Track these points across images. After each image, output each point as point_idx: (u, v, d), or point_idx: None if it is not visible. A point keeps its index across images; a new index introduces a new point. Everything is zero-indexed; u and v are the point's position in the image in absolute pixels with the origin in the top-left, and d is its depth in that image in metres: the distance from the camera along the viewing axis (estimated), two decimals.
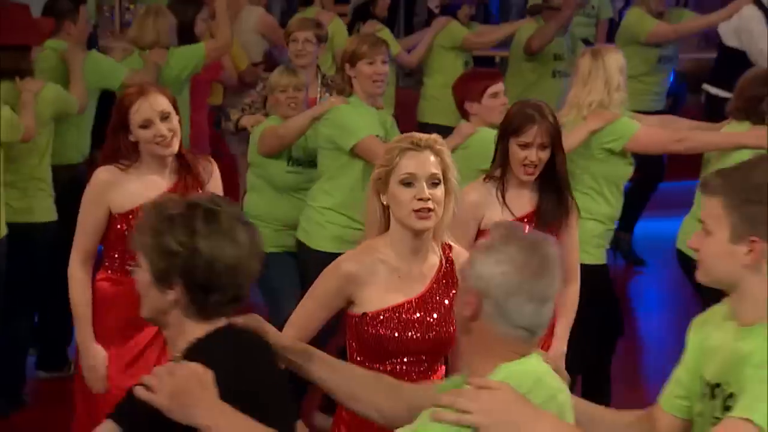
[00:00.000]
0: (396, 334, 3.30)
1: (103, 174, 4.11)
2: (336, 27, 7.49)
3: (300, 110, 5.34)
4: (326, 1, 7.70)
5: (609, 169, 5.14)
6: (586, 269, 4.99)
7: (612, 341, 5.43)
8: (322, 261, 3.70)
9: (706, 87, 7.64)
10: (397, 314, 3.32)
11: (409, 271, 3.33)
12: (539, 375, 2.43)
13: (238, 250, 2.45)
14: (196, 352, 2.44)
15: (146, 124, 4.03)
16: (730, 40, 7.41)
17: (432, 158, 3.31)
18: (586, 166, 5.10)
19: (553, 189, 4.27)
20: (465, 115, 5.17)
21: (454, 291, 3.34)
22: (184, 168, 4.16)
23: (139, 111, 4.03)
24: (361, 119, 5.07)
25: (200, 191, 4.06)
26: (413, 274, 3.35)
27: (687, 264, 5.11)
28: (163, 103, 4.07)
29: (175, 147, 4.10)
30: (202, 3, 6.85)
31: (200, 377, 2.36)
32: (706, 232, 2.56)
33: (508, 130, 4.25)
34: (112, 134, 4.12)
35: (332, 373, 2.85)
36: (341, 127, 5.07)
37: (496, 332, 2.39)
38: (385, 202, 3.33)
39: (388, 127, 5.23)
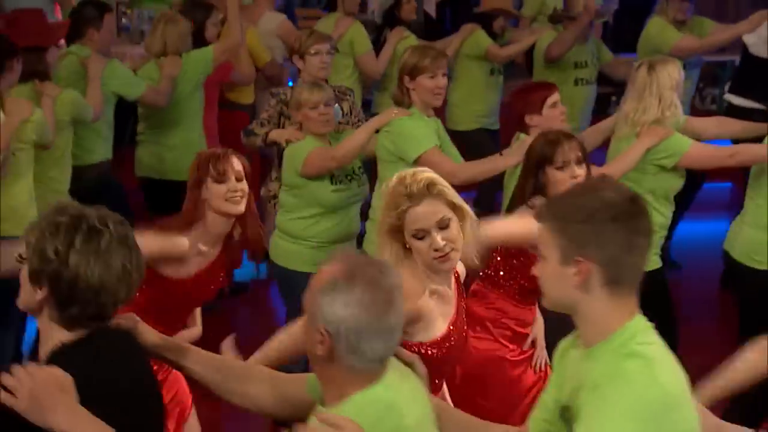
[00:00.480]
0: (446, 355, 3.46)
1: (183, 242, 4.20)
2: (356, 33, 7.49)
3: (332, 125, 5.35)
4: (349, 6, 7.64)
5: (660, 183, 5.23)
6: (645, 276, 5.07)
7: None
8: None
9: (729, 97, 7.59)
10: (448, 339, 3.46)
11: (445, 292, 3.49)
12: (388, 402, 2.54)
13: (106, 273, 2.54)
14: (59, 357, 2.52)
15: (222, 179, 4.17)
16: (760, 51, 7.34)
17: (434, 203, 3.38)
18: (637, 179, 5.15)
19: None
20: (524, 128, 5.18)
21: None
22: (229, 243, 4.31)
23: (218, 166, 4.19)
24: (422, 131, 5.14)
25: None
26: (446, 295, 3.51)
27: (733, 266, 5.27)
28: (238, 165, 4.23)
29: (243, 207, 4.22)
30: (212, 8, 6.90)
31: (59, 381, 2.41)
32: (541, 258, 2.60)
33: (542, 161, 4.32)
34: (190, 191, 4.24)
35: (206, 367, 2.89)
36: (405, 139, 5.11)
37: (349, 367, 2.52)
38: (407, 245, 3.42)
39: (441, 134, 5.29)
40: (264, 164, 6.80)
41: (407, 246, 3.42)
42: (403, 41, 7.52)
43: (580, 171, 4.29)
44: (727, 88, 7.74)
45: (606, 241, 2.50)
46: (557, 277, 2.56)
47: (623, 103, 5.35)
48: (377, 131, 5.24)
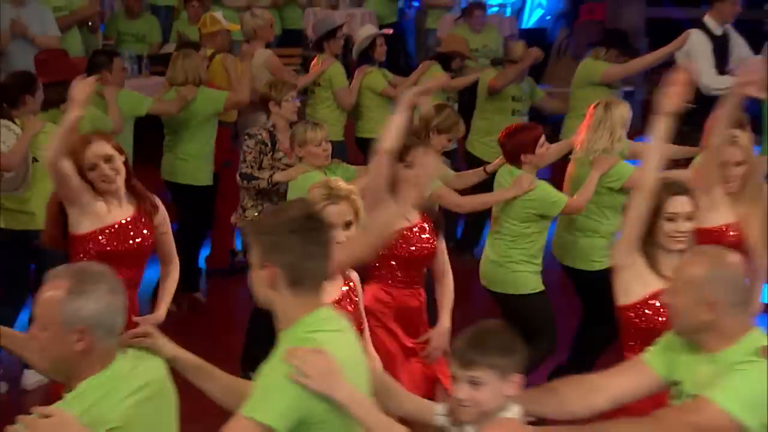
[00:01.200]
0: None
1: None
2: (334, 71, 8.66)
3: (329, 159, 6.13)
4: (333, 49, 8.81)
5: (610, 200, 6.09)
6: (597, 275, 5.95)
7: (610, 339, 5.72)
8: None
9: None
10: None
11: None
12: (122, 375, 2.95)
13: None
14: None
15: (93, 167, 4.67)
16: (681, 60, 8.08)
17: (346, 207, 4.09)
18: (597, 199, 6.04)
19: None
20: (518, 164, 5.85)
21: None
22: (138, 196, 4.83)
23: (87, 157, 4.67)
24: None
25: (156, 214, 4.82)
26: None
27: None
28: (106, 148, 4.68)
29: (119, 183, 4.69)
30: (199, 46, 8.20)
31: None
32: (252, 266, 3.04)
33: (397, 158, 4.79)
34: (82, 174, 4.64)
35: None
36: None
37: (100, 350, 2.91)
38: None
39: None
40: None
41: None
42: (368, 75, 8.71)
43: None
44: None
45: (285, 249, 2.95)
46: (258, 280, 3.00)
47: (583, 132, 6.09)
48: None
